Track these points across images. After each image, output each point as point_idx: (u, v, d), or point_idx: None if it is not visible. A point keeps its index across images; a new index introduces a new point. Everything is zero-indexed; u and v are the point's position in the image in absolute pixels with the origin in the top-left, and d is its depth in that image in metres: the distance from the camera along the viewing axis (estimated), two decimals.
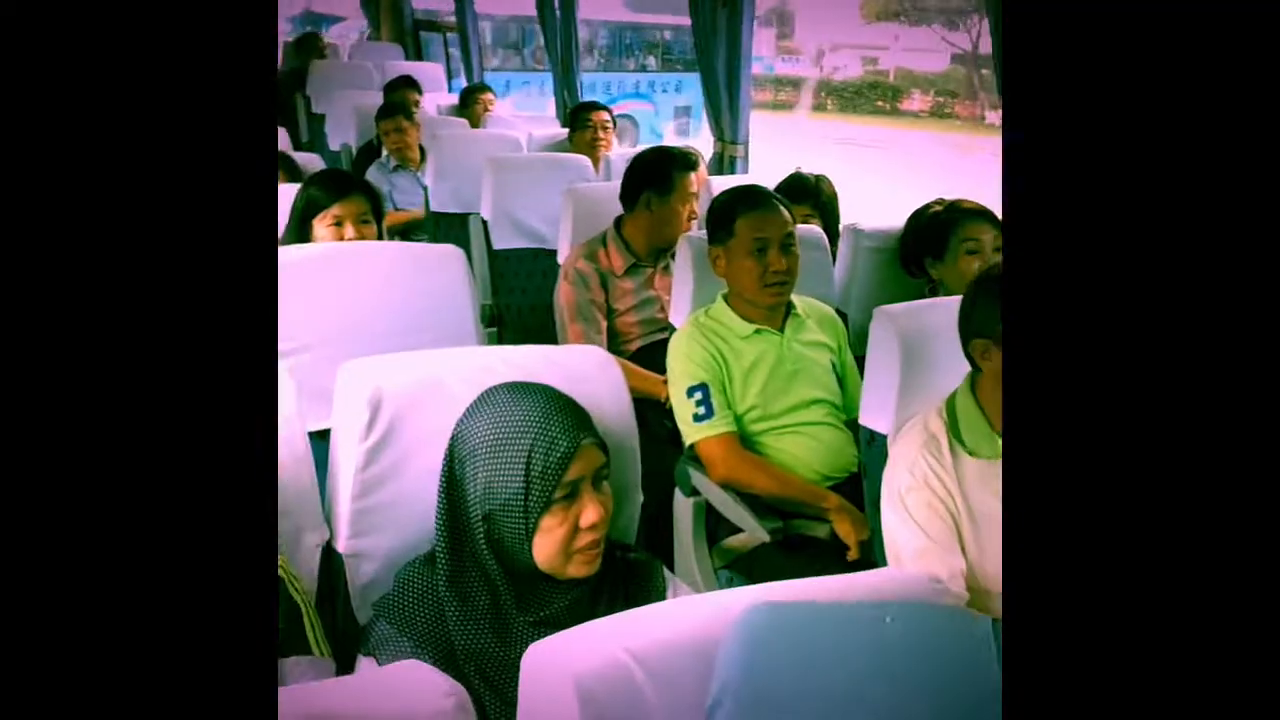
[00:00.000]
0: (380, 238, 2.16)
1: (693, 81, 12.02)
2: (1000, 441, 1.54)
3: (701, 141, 3.94)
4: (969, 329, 1.56)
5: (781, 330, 2.13)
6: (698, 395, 2.04)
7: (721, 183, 3.21)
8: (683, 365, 2.08)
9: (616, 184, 2.78)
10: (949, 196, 2.40)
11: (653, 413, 2.45)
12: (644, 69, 12.36)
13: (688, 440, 2.09)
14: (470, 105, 5.08)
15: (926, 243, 2.32)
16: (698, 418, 2.05)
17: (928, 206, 2.37)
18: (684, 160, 2.67)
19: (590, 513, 1.16)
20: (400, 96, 4.52)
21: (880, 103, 22.58)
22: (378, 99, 4.47)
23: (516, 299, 3.26)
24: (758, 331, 2.11)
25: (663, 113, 12.37)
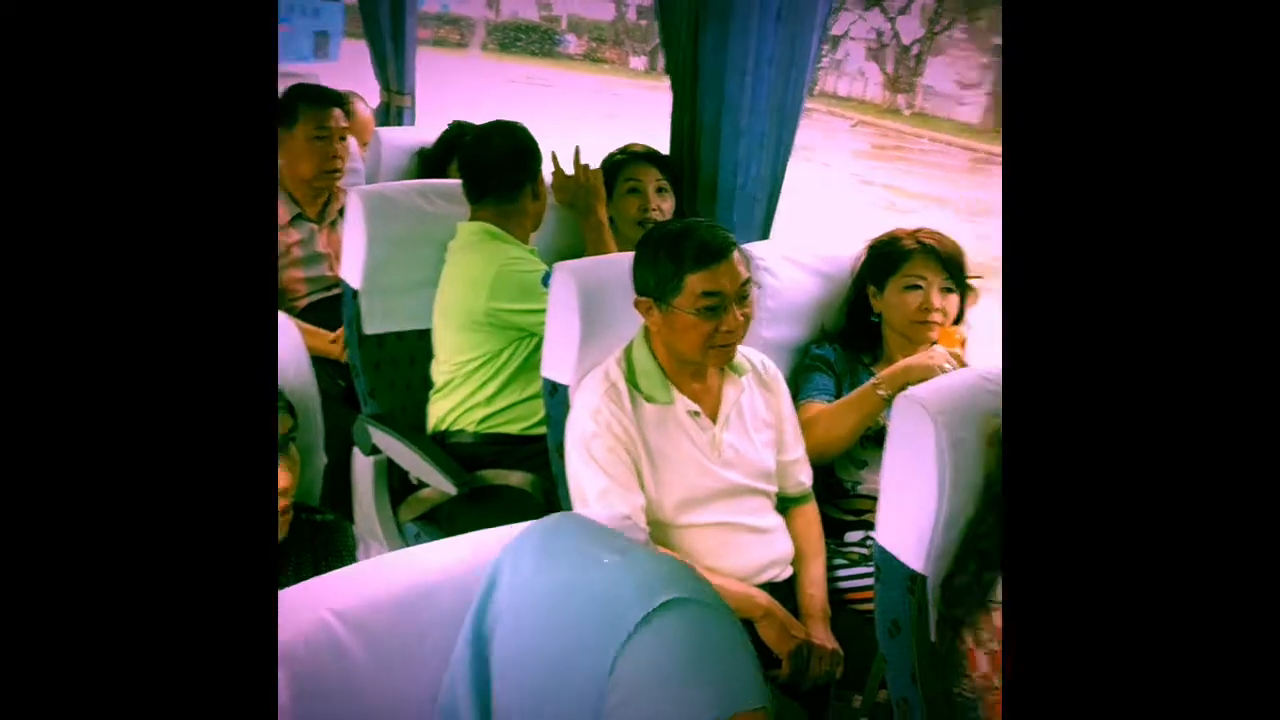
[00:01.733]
0: None
1: (331, 9, 12.13)
2: (673, 388, 1.66)
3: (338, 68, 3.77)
4: (635, 288, 1.65)
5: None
6: None
7: (390, 134, 3.12)
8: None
9: None
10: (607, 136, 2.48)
11: (324, 372, 2.36)
12: None
13: None
14: None
15: (605, 185, 2.36)
16: None
17: (611, 156, 2.43)
18: (313, 94, 2.58)
19: (281, 478, 1.13)
20: None
21: (537, 46, 23.13)
22: None
23: None
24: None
25: (301, 35, 12.47)
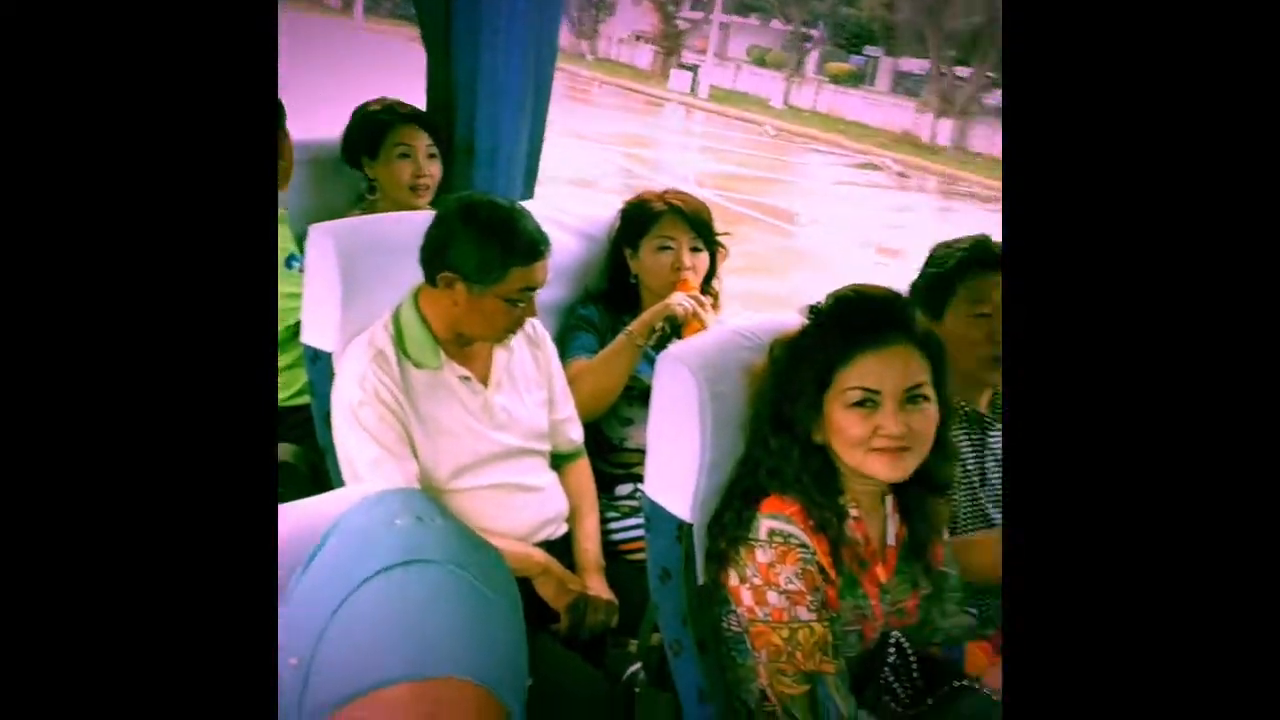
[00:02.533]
0: None
1: None
2: (442, 353, 1.65)
3: None
4: (442, 261, 1.59)
5: None
6: None
7: None
8: None
9: None
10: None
11: None
12: None
13: None
14: None
15: (363, 142, 2.30)
16: None
17: (367, 105, 2.34)
18: None
19: None
20: None
21: None
22: None
23: None
24: None
25: None
